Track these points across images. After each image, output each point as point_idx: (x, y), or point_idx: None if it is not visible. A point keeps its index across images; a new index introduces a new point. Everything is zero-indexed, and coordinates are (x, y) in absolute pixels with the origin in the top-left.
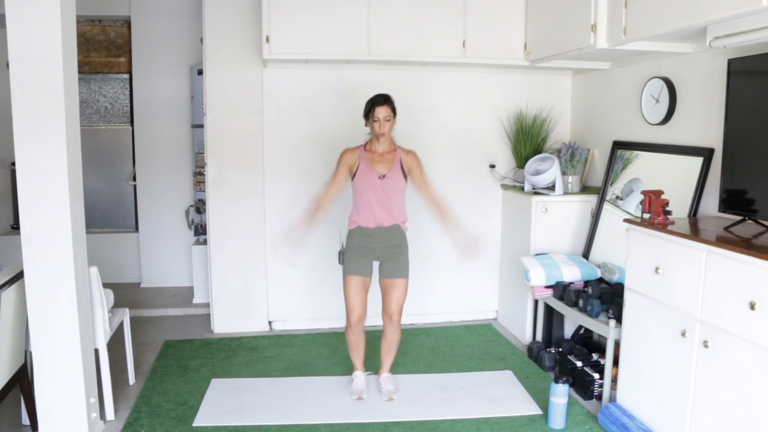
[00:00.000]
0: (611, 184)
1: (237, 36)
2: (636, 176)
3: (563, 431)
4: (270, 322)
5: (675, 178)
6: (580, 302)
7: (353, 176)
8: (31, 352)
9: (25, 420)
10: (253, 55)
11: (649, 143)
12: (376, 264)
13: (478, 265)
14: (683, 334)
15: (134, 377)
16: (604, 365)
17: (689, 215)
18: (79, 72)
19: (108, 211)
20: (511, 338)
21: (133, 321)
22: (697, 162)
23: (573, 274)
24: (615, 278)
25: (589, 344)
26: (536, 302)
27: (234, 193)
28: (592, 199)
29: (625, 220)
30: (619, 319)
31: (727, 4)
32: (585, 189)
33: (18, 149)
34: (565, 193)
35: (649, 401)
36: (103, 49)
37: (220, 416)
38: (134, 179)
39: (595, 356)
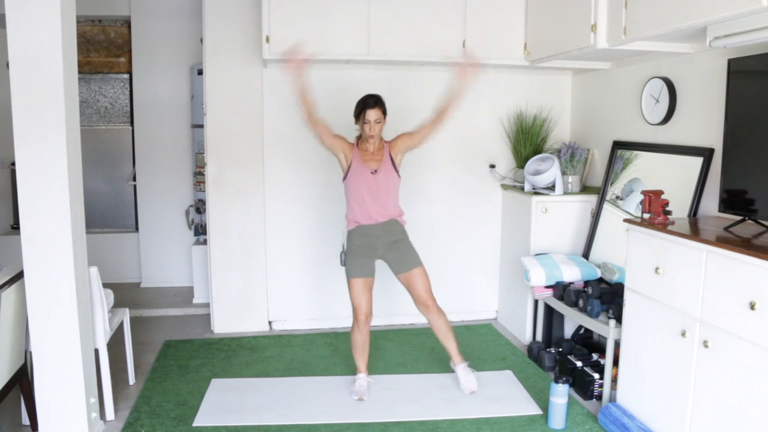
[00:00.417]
0: (611, 184)
1: (237, 36)
2: (636, 176)
3: (563, 431)
4: (270, 322)
5: (675, 178)
6: (580, 302)
7: (346, 174)
8: (31, 352)
9: (25, 420)
10: (253, 55)
11: (649, 143)
12: (377, 262)
13: (478, 265)
14: (683, 334)
15: (134, 377)
16: (604, 365)
17: (689, 215)
18: (79, 72)
19: (108, 211)
20: (511, 338)
21: (133, 321)
22: (697, 162)
23: (573, 274)
24: (615, 278)
25: (589, 344)
26: (536, 302)
27: (234, 193)
28: (592, 199)
29: (625, 220)
30: (619, 319)
31: (727, 4)
32: (585, 189)
33: (18, 149)
34: (565, 193)
35: (649, 401)
36: (103, 49)
37: (220, 416)
38: (134, 179)
39: (595, 356)
